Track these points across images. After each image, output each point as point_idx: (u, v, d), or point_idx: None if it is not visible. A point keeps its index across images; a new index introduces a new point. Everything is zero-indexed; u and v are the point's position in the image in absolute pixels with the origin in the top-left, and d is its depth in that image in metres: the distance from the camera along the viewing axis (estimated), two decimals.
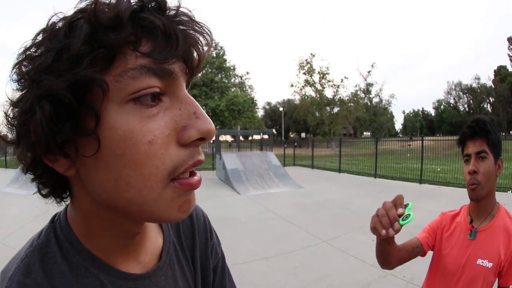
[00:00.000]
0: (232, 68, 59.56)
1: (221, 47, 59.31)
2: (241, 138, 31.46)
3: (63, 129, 0.58)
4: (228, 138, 37.49)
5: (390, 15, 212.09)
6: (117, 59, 0.59)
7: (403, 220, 1.52)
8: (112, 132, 0.60)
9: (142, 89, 0.61)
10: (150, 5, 0.62)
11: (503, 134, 41.31)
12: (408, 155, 23.83)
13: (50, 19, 0.64)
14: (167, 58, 0.62)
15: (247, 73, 65.21)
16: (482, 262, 1.93)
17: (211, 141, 30.25)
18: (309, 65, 62.28)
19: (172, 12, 0.65)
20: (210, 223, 1.18)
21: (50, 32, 0.62)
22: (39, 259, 0.71)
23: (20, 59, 0.63)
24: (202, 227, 1.12)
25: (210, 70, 55.51)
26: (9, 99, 0.64)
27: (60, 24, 0.62)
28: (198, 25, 0.69)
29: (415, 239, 2.25)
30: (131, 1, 0.62)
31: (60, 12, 0.64)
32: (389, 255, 2.00)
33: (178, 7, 0.66)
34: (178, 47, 0.63)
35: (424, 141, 19.84)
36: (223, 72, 57.71)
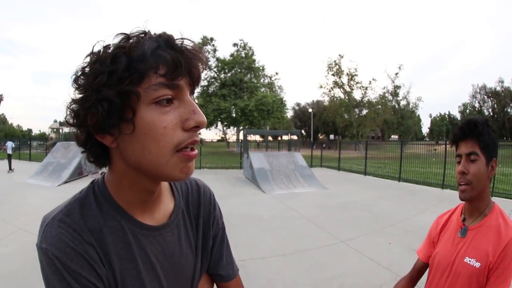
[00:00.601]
0: (261, 68, 59.20)
1: (250, 48, 59.24)
2: (270, 138, 31.51)
3: (113, 118, 0.96)
4: (258, 138, 37.59)
5: (416, 16, 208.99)
6: (145, 78, 0.96)
7: None
8: (142, 120, 0.97)
9: (160, 96, 0.97)
10: (162, 44, 0.99)
11: None
12: (434, 159, 23.45)
13: (94, 46, 1.02)
14: (175, 77, 0.99)
15: (277, 73, 64.89)
16: (470, 261, 1.90)
17: (240, 141, 30.49)
18: (337, 66, 61.99)
19: (179, 44, 1.01)
20: (215, 199, 1.51)
21: (97, 58, 0.99)
22: (78, 207, 1.08)
23: (78, 74, 1.00)
24: (207, 201, 1.45)
25: (239, 70, 55.54)
26: (72, 99, 1.01)
27: (101, 51, 1.00)
28: (195, 52, 1.05)
29: (418, 260, 2.36)
30: (152, 40, 0.99)
31: (102, 40, 1.02)
32: None
33: (182, 41, 1.03)
34: (182, 69, 0.99)
35: (447, 146, 19.32)
36: (252, 72, 57.44)
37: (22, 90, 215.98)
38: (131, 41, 0.99)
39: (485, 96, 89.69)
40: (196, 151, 1.08)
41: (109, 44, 1.01)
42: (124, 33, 1.02)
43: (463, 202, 2.13)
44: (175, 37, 1.03)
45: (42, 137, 58.45)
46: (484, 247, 1.88)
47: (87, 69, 1.00)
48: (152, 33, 1.03)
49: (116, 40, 1.01)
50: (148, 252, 1.17)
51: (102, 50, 1.00)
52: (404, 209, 12.45)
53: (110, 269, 1.07)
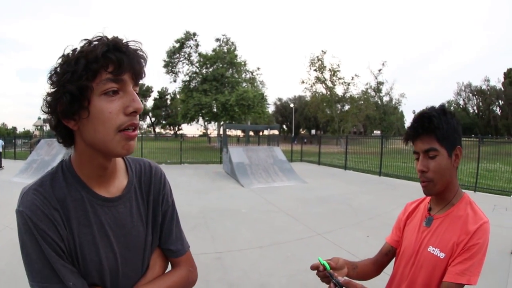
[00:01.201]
0: (243, 63, 58.92)
1: (232, 43, 59.17)
2: (251, 133, 31.54)
3: (74, 106, 1.20)
4: (239, 133, 37.57)
5: (402, 13, 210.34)
6: (97, 75, 1.20)
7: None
8: (94, 108, 1.20)
9: (107, 89, 1.21)
10: (111, 47, 1.21)
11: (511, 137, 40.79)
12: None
13: (65, 49, 1.25)
14: (119, 73, 1.22)
15: (258, 68, 65.18)
16: (433, 251, 1.84)
17: (220, 136, 30.61)
18: (320, 62, 61.95)
19: (124, 47, 1.25)
20: (166, 179, 1.71)
21: (65, 60, 1.22)
22: (49, 179, 1.34)
23: (52, 73, 1.25)
24: (158, 180, 1.64)
25: (221, 65, 55.14)
26: (47, 93, 1.26)
27: (70, 54, 1.23)
28: (137, 52, 1.29)
29: (386, 244, 2.29)
30: (104, 44, 1.21)
31: (71, 45, 1.25)
32: (364, 274, 2.18)
33: (128, 44, 1.27)
34: (124, 67, 1.23)
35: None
36: (234, 68, 57.07)
37: (10, 88, 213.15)
38: (91, 45, 1.23)
39: (470, 94, 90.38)
40: (136, 132, 1.30)
41: (76, 48, 1.25)
42: (87, 39, 1.26)
43: None
44: (124, 41, 1.28)
45: (27, 135, 58.09)
46: (449, 237, 1.81)
47: (58, 69, 1.24)
48: (110, 36, 1.27)
49: (81, 44, 1.25)
50: (103, 221, 1.38)
51: (70, 53, 1.24)
52: (384, 203, 12.56)
53: (70, 232, 1.30)
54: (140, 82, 1.36)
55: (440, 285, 1.78)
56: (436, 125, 1.81)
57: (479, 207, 1.90)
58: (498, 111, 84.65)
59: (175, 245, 1.63)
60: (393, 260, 2.26)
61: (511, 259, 6.96)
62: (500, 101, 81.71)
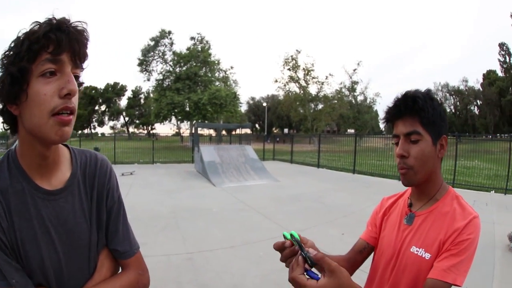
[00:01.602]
0: (216, 62, 58.75)
1: (207, 41, 58.79)
2: (224, 132, 31.56)
3: (15, 88, 1.14)
4: (212, 132, 37.50)
5: (379, 13, 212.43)
6: (38, 56, 1.14)
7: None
8: (32, 90, 1.14)
9: (45, 70, 1.15)
10: (54, 27, 1.15)
11: (490, 136, 41.51)
12: (391, 153, 23.86)
13: (18, 33, 1.18)
14: (58, 53, 1.16)
15: (232, 67, 64.87)
16: (417, 251, 1.63)
17: (192, 135, 30.50)
18: (294, 61, 62.17)
19: (66, 26, 1.17)
20: (112, 172, 1.58)
21: (16, 42, 1.17)
22: None
23: (2, 56, 1.18)
24: (103, 173, 1.52)
25: (194, 64, 54.84)
26: None
27: (19, 37, 1.17)
28: (79, 33, 1.22)
29: (360, 240, 2.04)
30: (48, 25, 1.16)
31: (24, 28, 1.18)
32: None
33: (70, 23, 1.20)
34: (63, 47, 1.16)
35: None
36: (207, 66, 56.81)
37: None
38: (36, 27, 1.17)
39: (447, 94, 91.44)
40: (71, 117, 1.21)
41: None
42: (37, 21, 1.19)
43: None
44: (70, 21, 1.21)
45: (3, 136, 56.93)
46: (434, 236, 1.61)
47: (6, 52, 1.19)
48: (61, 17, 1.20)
49: (31, 26, 1.19)
50: (43, 215, 1.28)
51: (20, 36, 1.18)
52: (358, 200, 12.60)
53: (11, 225, 1.22)
54: (85, 65, 1.30)
55: None
56: (421, 106, 1.62)
57: (467, 202, 1.71)
58: (476, 110, 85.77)
59: (122, 246, 1.51)
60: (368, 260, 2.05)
61: (495, 255, 7.01)
62: (478, 101, 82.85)
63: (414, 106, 1.63)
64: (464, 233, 1.54)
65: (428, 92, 1.71)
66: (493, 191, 14.96)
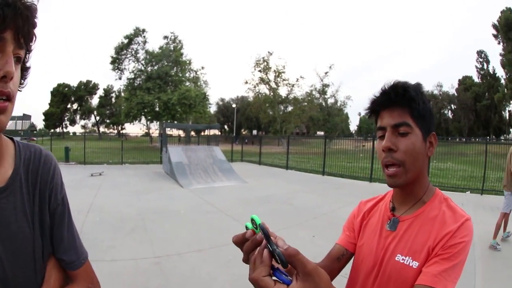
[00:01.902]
0: (188, 62, 58.50)
1: (180, 41, 58.50)
2: (192, 133, 31.51)
3: None
4: (181, 133, 37.37)
5: (355, 18, 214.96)
6: None
7: (256, 229, 1.02)
8: None
9: None
10: (2, 2, 0.97)
11: (464, 139, 42.38)
12: (361, 155, 24.14)
13: None
14: (0, 30, 0.98)
15: (202, 67, 64.62)
16: (403, 260, 1.44)
17: (161, 135, 30.28)
18: (265, 63, 62.31)
19: (13, 1, 1.00)
20: (57, 170, 1.37)
21: None
22: None
23: None
24: (47, 170, 1.32)
25: (166, 63, 54.52)
26: None
27: None
28: (25, 9, 1.04)
29: (337, 246, 1.79)
30: None
31: None
32: None
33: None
34: (7, 23, 0.99)
35: (375, 140, 19.97)
36: (178, 66, 56.50)
37: None
38: None
39: None
40: (6, 104, 1.04)
41: None
42: None
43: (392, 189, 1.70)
44: None
45: None
46: (422, 242, 1.43)
47: None
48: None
49: None
50: None
51: None
52: (329, 201, 12.64)
53: None
54: (32, 46, 1.14)
55: None
56: (413, 96, 1.47)
57: (457, 204, 1.53)
58: (449, 114, 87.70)
59: (68, 255, 1.32)
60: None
61: (475, 253, 7.18)
62: (452, 105, 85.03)
63: (405, 95, 1.47)
64: (457, 236, 1.38)
65: (418, 85, 1.56)
66: (469, 192, 15.42)
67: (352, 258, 1.77)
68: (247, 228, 1.04)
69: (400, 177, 1.48)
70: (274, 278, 0.91)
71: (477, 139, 43.61)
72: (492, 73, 74.81)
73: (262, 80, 63.08)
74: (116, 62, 56.04)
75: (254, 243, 1.00)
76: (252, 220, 1.02)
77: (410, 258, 1.43)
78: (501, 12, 58.17)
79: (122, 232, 8.22)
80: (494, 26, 60.41)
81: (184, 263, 6.54)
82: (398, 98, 1.47)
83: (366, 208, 1.81)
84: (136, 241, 7.67)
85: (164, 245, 7.53)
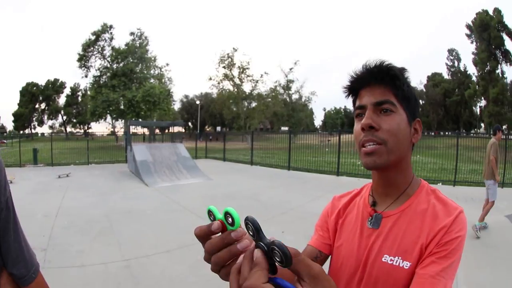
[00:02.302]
0: (153, 59, 57.81)
1: (146, 37, 57.54)
2: (157, 131, 31.17)
3: None
4: (146, 131, 37.12)
5: (322, 14, 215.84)
6: None
7: (230, 225, 0.79)
8: None
9: None
10: None
11: (433, 134, 43.13)
12: (327, 149, 24.27)
13: None
14: None
15: (167, 64, 64.26)
16: (392, 260, 1.28)
17: (124, 133, 30.00)
18: (230, 59, 62.23)
19: None
20: (2, 170, 1.18)
21: None
22: None
23: None
24: None
25: (131, 60, 53.69)
26: None
27: None
28: None
29: (309, 248, 1.59)
30: None
31: None
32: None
33: None
34: None
35: (342, 136, 20.52)
36: (143, 63, 55.61)
37: None
38: None
39: None
40: None
41: None
42: None
43: (371, 181, 1.53)
44: None
45: None
46: (413, 240, 1.28)
47: None
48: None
49: None
50: None
51: None
52: (296, 196, 12.69)
53: None
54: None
55: None
56: (397, 75, 1.33)
57: (446, 195, 1.41)
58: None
59: (17, 269, 1.16)
60: None
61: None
62: (421, 100, 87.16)
63: (389, 72, 1.32)
64: (452, 231, 1.23)
65: (403, 68, 1.39)
66: (441, 183, 15.92)
67: (329, 261, 1.57)
68: (210, 213, 0.83)
69: (380, 156, 1.29)
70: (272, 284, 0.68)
71: (448, 133, 44.62)
72: (463, 70, 77.59)
73: (226, 77, 63.09)
74: (83, 60, 54.53)
75: (226, 243, 0.80)
76: (210, 212, 0.83)
77: (400, 258, 1.27)
78: (476, 14, 60.25)
79: (90, 235, 8.10)
80: (468, 26, 62.58)
81: (153, 265, 6.49)
82: (382, 75, 1.33)
83: (341, 205, 1.62)
84: (104, 244, 7.57)
85: (132, 247, 7.46)
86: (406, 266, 1.24)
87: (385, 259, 1.29)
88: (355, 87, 1.42)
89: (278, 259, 0.69)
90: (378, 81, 1.33)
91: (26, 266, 1.17)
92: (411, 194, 1.39)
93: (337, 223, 1.57)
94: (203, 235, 0.83)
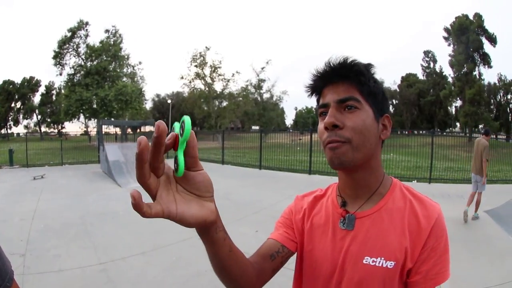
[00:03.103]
0: (126, 57, 56.72)
1: (120, 35, 56.36)
2: (129, 131, 30.98)
3: None
4: (118, 130, 36.83)
5: (295, 13, 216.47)
6: None
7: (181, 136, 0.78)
8: None
9: None
10: None
11: (406, 132, 43.68)
12: (298, 148, 24.34)
13: None
14: None
15: (140, 63, 63.67)
16: (374, 262, 1.24)
17: (97, 133, 29.79)
18: (202, 58, 61.99)
19: None
20: None
21: None
22: None
23: None
24: None
25: (104, 58, 52.40)
26: None
27: None
28: None
29: (270, 241, 1.49)
30: None
31: None
32: (239, 267, 1.23)
33: None
34: None
35: (314, 135, 20.39)
36: (117, 61, 54.56)
37: None
38: None
39: None
40: None
41: None
42: None
43: (337, 181, 1.49)
44: None
45: None
46: (394, 239, 1.25)
47: None
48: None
49: None
50: None
51: None
52: (268, 195, 12.79)
53: None
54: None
55: None
56: (361, 70, 1.27)
57: (419, 192, 1.40)
58: (390, 109, 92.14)
59: None
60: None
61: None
62: (394, 100, 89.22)
63: (352, 68, 1.26)
64: (437, 232, 1.23)
65: (369, 63, 1.34)
66: (415, 181, 16.14)
67: (300, 263, 1.50)
68: (181, 125, 0.79)
69: (344, 154, 1.22)
70: None
71: (423, 132, 45.50)
72: (439, 71, 79.36)
73: (197, 75, 62.65)
74: (58, 57, 52.97)
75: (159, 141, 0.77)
76: (182, 123, 0.78)
77: (383, 258, 1.24)
78: (456, 18, 61.45)
79: (65, 238, 8.04)
80: (446, 29, 63.85)
81: (129, 268, 6.47)
82: (345, 71, 1.27)
83: (306, 205, 1.55)
84: (80, 248, 7.52)
85: (108, 250, 7.43)
86: (390, 265, 1.22)
87: (366, 261, 1.26)
88: (318, 86, 1.37)
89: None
90: (342, 78, 1.28)
91: None
92: (384, 193, 1.36)
93: (304, 224, 1.51)
94: (142, 141, 0.77)
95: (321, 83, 1.34)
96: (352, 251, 1.29)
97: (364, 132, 1.23)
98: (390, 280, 1.22)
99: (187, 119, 0.77)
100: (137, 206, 0.79)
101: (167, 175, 0.87)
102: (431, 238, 1.21)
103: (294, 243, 1.48)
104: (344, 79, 1.27)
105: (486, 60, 59.69)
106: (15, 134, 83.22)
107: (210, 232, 1.02)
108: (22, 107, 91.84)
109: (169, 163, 0.86)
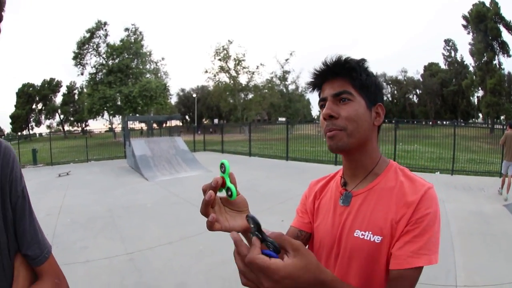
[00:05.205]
0: (148, 53, 57.22)
1: (140, 32, 56.85)
2: (155, 125, 31.10)
3: None
4: (144, 126, 36.95)
5: (318, 3, 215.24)
6: None
7: (223, 173, 1.15)
8: None
9: None
10: None
11: (430, 123, 43.00)
12: (324, 139, 24.28)
13: None
14: None
15: (163, 59, 63.72)
16: (363, 235, 1.39)
17: (122, 129, 29.93)
18: (225, 51, 61.84)
19: None
20: (16, 162, 1.31)
21: None
22: None
23: None
24: (6, 162, 1.26)
25: (126, 56, 52.84)
26: None
27: None
28: None
29: (291, 229, 1.74)
30: None
31: None
32: None
33: None
34: None
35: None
36: (139, 58, 54.93)
37: None
38: None
39: (385, 83, 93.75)
40: None
41: None
42: None
43: (342, 165, 1.65)
44: None
45: None
46: (382, 216, 1.38)
47: None
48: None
49: None
50: None
51: None
52: (294, 186, 12.72)
53: None
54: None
55: (385, 276, 1.36)
56: (353, 66, 1.45)
57: (415, 174, 1.49)
58: (414, 99, 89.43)
59: (32, 250, 1.26)
60: None
61: (450, 230, 7.46)
62: (417, 90, 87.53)
63: (345, 65, 1.46)
64: (421, 208, 1.32)
65: (362, 59, 1.53)
66: (439, 172, 15.90)
67: (312, 239, 1.71)
68: (222, 166, 1.16)
69: (340, 139, 1.43)
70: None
71: (446, 122, 44.88)
72: (460, 60, 77.38)
73: (222, 69, 62.49)
74: (78, 57, 53.63)
75: (214, 187, 1.13)
76: (222, 165, 1.16)
77: (370, 233, 1.38)
78: (473, 5, 59.49)
79: (93, 231, 8.15)
80: (465, 17, 61.84)
81: (156, 258, 6.56)
82: (338, 69, 1.47)
83: (317, 188, 1.79)
84: (107, 239, 7.63)
85: (135, 240, 7.53)
86: (377, 240, 1.36)
87: (356, 234, 1.43)
88: (317, 82, 1.58)
89: (271, 249, 0.94)
90: (336, 74, 1.48)
91: (40, 247, 1.29)
92: (379, 173, 1.52)
93: (314, 205, 1.73)
94: (206, 189, 1.14)
95: (320, 80, 1.56)
96: (346, 224, 1.48)
97: (357, 120, 1.43)
98: (377, 254, 1.36)
99: (225, 162, 1.15)
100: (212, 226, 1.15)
101: (219, 204, 1.22)
102: (416, 212, 1.32)
103: (308, 224, 1.72)
104: (339, 76, 1.48)
105: (504, 48, 58.06)
106: (37, 135, 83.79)
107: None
108: (43, 108, 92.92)
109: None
